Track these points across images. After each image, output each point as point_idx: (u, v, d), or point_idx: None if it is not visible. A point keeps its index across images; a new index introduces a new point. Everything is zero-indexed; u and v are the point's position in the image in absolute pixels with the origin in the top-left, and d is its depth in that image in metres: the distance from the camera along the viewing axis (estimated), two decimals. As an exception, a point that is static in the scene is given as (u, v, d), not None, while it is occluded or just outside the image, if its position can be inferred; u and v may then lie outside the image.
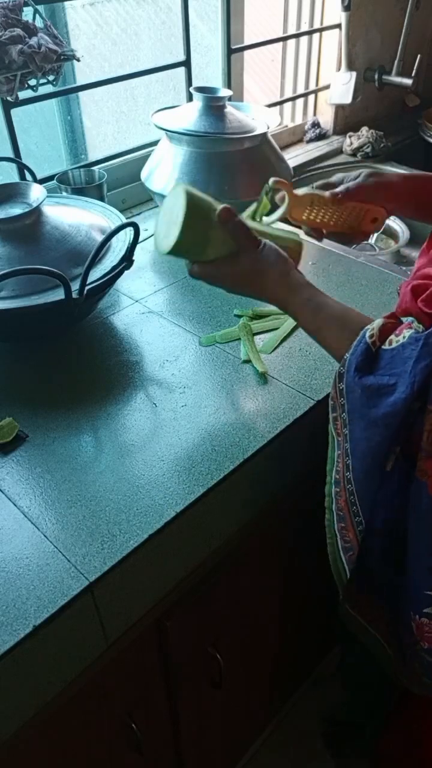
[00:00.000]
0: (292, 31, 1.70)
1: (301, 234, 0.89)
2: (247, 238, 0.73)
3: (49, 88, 1.15)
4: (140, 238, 0.94)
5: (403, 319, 0.67)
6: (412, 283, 0.71)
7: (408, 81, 1.78)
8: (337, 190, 0.80)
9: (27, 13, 1.09)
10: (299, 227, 0.85)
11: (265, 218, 0.83)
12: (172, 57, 1.41)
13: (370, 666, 1.18)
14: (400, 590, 0.69)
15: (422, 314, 0.65)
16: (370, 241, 1.52)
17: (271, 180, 0.79)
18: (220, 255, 0.74)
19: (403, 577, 0.67)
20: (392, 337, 0.64)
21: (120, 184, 1.39)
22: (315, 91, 1.82)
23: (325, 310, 0.72)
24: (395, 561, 0.68)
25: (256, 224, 0.79)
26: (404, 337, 0.62)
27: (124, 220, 0.95)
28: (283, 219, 0.82)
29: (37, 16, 1.09)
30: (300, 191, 0.81)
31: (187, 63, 1.41)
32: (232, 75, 1.52)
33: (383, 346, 0.64)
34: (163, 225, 0.75)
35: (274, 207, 0.82)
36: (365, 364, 0.64)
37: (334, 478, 0.71)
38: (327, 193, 0.80)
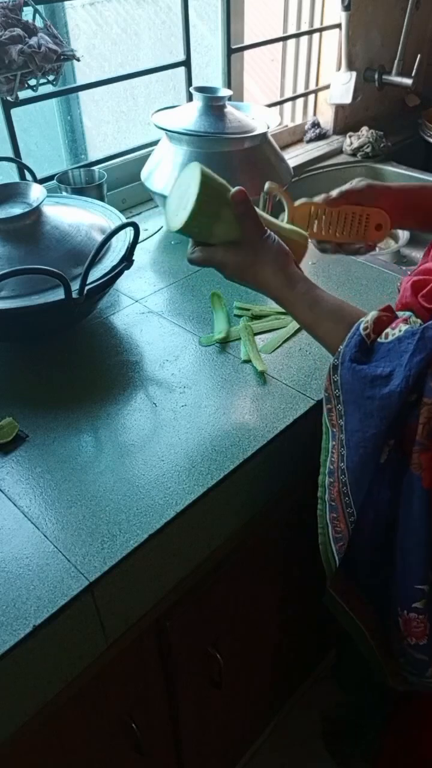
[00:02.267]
0: (292, 31, 1.70)
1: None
2: (253, 225, 0.73)
3: (49, 88, 1.15)
4: (140, 238, 0.94)
5: (400, 314, 0.67)
6: (412, 278, 0.71)
7: (408, 81, 1.78)
8: (331, 193, 0.82)
9: (27, 13, 1.09)
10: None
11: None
12: (172, 57, 1.41)
13: (366, 667, 1.18)
14: (389, 585, 0.69)
15: (422, 309, 0.66)
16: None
17: (267, 185, 0.79)
18: (226, 239, 0.74)
19: (394, 571, 0.67)
20: (388, 330, 0.64)
21: (120, 184, 1.39)
22: (315, 91, 1.82)
23: (321, 303, 0.72)
24: (385, 554, 0.68)
25: (266, 215, 0.80)
26: (400, 331, 0.63)
27: (124, 220, 0.95)
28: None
29: (37, 16, 1.09)
30: (297, 202, 0.83)
31: (187, 63, 1.41)
32: (232, 75, 1.52)
33: (379, 339, 0.65)
34: (175, 201, 0.75)
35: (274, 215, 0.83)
36: (360, 356, 0.65)
37: (328, 469, 0.72)
38: (321, 197, 0.82)
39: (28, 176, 1.12)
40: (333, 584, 0.75)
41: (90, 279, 0.87)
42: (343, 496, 0.69)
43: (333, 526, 0.72)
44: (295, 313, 0.74)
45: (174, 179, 1.20)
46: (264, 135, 1.22)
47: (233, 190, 0.73)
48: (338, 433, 0.69)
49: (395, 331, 0.63)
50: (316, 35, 1.74)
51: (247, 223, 0.73)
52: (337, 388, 0.67)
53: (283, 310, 1.02)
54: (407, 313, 0.66)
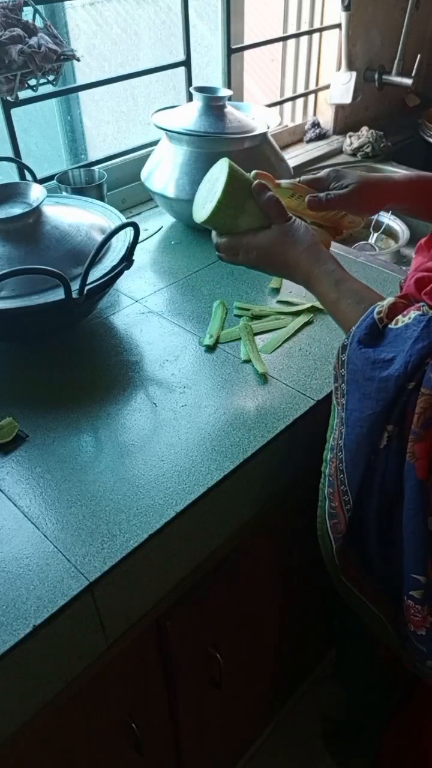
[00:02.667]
0: (292, 30, 1.70)
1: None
2: (279, 211, 0.76)
3: (49, 88, 1.15)
4: (140, 238, 0.94)
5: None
6: (416, 275, 0.71)
7: (408, 81, 1.78)
8: (317, 197, 0.82)
9: (27, 13, 1.09)
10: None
11: None
12: (172, 57, 1.41)
13: (366, 666, 1.18)
14: (397, 571, 0.69)
15: (428, 306, 0.66)
16: (369, 240, 1.52)
17: (253, 172, 0.80)
18: (252, 226, 0.77)
19: (399, 558, 0.68)
20: (399, 317, 0.65)
21: (120, 184, 1.39)
22: (315, 91, 1.82)
23: (346, 283, 0.73)
24: (389, 542, 0.69)
25: (290, 206, 0.81)
26: (410, 318, 0.63)
27: (124, 220, 0.95)
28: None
29: (37, 16, 1.09)
30: (283, 182, 0.83)
31: (187, 63, 1.41)
32: (232, 75, 1.52)
33: (390, 325, 0.65)
34: (203, 194, 0.79)
35: None
36: (369, 339, 0.65)
37: (330, 444, 0.73)
38: (306, 197, 0.82)
39: (28, 176, 1.12)
40: (331, 564, 0.76)
41: (90, 279, 0.87)
42: (338, 472, 0.70)
43: (329, 501, 0.73)
44: (321, 291, 0.74)
45: (174, 179, 1.20)
46: (264, 135, 1.22)
47: (254, 183, 0.76)
48: (341, 411, 0.70)
49: (405, 318, 0.64)
50: (316, 35, 1.74)
51: (272, 210, 0.75)
52: (343, 367, 0.68)
53: (286, 310, 1.03)
54: (422, 303, 0.66)
